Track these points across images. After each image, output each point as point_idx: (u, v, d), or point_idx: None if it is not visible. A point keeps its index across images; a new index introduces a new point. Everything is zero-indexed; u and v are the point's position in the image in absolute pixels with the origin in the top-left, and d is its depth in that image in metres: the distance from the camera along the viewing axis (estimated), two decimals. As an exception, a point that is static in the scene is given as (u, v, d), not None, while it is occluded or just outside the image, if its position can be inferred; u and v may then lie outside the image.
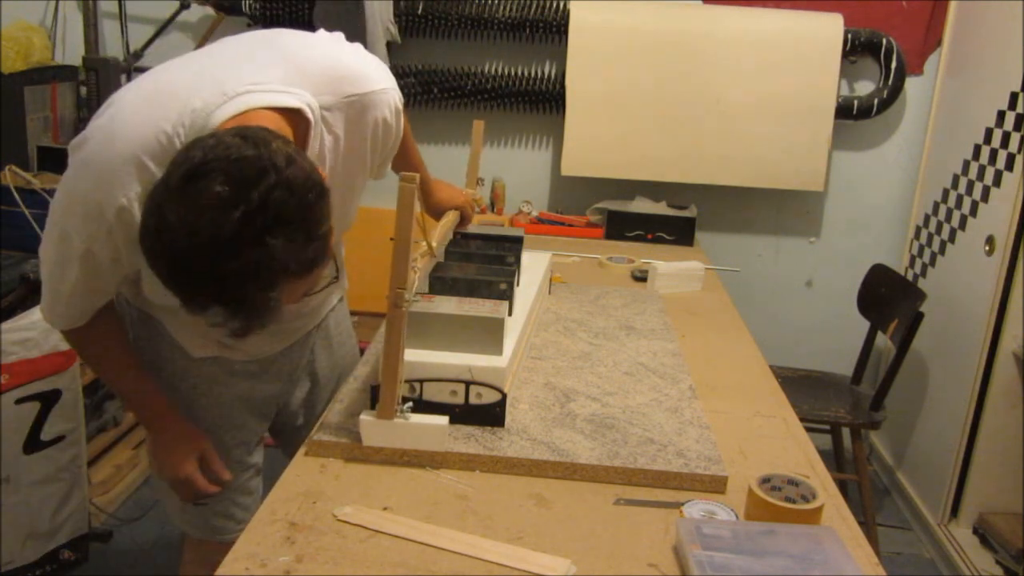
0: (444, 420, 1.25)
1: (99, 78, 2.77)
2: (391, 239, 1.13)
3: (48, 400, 1.92)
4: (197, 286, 0.94)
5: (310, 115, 1.12)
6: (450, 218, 1.72)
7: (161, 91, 1.10)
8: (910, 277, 2.92)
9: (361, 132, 1.23)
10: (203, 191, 0.90)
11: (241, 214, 0.89)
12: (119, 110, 1.09)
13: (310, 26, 2.75)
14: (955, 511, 2.55)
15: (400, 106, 1.30)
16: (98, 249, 1.12)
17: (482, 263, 1.68)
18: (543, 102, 2.89)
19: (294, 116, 1.11)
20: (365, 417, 1.24)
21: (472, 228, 1.87)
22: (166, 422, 1.36)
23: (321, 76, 1.16)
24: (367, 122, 1.23)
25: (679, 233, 2.84)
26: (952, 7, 2.80)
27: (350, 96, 1.19)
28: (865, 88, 2.93)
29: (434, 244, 1.46)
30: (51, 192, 2.16)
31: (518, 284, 1.70)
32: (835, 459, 2.66)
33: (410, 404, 1.25)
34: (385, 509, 1.13)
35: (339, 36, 1.28)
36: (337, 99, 1.18)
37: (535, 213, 2.94)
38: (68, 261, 1.15)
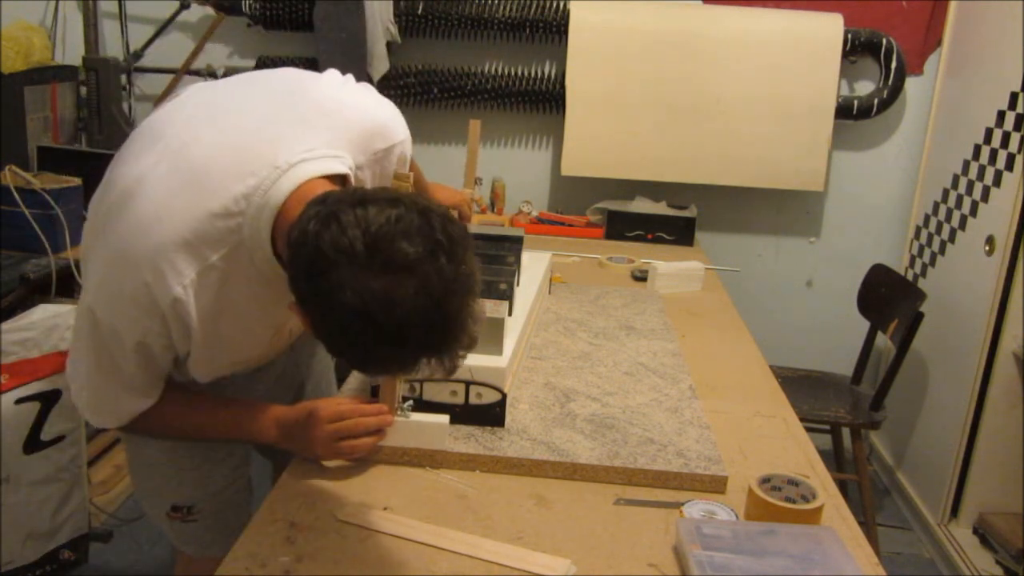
0: (445, 419, 1.26)
1: (99, 78, 2.77)
2: None
3: (48, 400, 1.92)
4: (428, 341, 0.93)
5: (353, 180, 1.13)
6: (447, 217, 1.72)
7: (196, 170, 1.05)
8: (910, 277, 2.91)
9: (383, 183, 1.23)
10: (401, 255, 0.89)
11: (446, 256, 0.91)
12: (151, 195, 1.04)
13: (310, 26, 2.77)
14: (955, 511, 2.55)
15: (410, 153, 1.30)
16: (152, 341, 1.08)
17: (482, 263, 1.67)
18: (543, 102, 2.89)
19: (338, 179, 1.10)
20: (365, 417, 1.24)
21: (472, 228, 1.87)
22: (280, 428, 1.23)
23: (358, 135, 1.16)
24: (388, 174, 1.24)
25: (679, 233, 2.84)
26: (952, 7, 2.80)
27: (377, 152, 1.20)
28: (865, 88, 2.93)
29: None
30: (51, 192, 2.18)
31: (518, 284, 1.70)
32: (835, 459, 2.66)
33: (410, 403, 1.26)
34: (385, 509, 1.13)
35: (349, 78, 1.27)
36: (367, 156, 1.18)
37: (535, 213, 2.94)
38: (120, 357, 1.10)
